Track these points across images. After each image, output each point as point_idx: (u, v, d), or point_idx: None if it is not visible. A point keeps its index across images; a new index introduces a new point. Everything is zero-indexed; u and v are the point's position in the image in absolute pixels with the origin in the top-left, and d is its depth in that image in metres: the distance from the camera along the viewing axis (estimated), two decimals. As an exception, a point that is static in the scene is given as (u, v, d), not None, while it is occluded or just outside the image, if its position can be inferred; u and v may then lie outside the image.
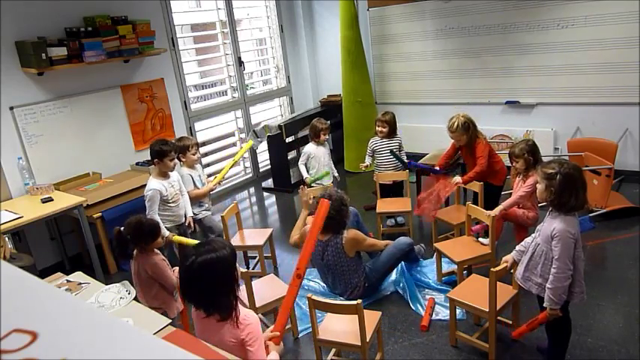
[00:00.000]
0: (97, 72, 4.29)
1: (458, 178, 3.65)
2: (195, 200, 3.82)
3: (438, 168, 3.92)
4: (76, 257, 4.28)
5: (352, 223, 3.42)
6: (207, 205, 3.97)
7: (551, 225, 2.21)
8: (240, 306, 1.87)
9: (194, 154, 3.84)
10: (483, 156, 3.60)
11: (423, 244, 3.68)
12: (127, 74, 4.59)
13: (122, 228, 2.63)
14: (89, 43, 3.94)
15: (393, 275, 3.38)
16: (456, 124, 3.62)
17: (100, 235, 3.89)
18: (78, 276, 2.64)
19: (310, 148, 4.46)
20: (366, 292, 3.25)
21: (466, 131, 3.62)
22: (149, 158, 3.66)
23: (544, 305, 2.25)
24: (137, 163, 4.57)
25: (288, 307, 1.96)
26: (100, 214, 3.83)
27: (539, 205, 3.20)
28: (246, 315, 1.86)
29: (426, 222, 3.97)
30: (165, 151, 3.43)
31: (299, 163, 4.49)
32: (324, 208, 2.07)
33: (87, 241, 3.77)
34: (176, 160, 3.59)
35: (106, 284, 2.55)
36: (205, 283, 1.79)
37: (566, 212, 2.19)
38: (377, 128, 4.32)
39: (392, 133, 4.31)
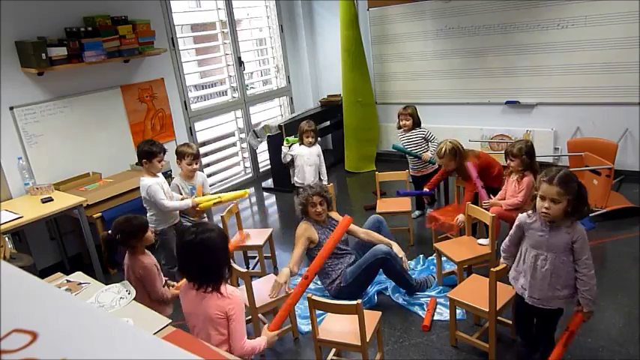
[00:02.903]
0: (97, 72, 4.29)
1: (462, 217, 3.52)
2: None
3: (427, 189, 4.11)
4: (76, 257, 4.28)
5: (374, 228, 3.49)
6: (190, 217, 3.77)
7: (563, 235, 2.18)
8: (227, 285, 2.10)
9: (189, 164, 3.68)
10: (477, 177, 3.59)
11: (433, 275, 3.44)
12: (127, 74, 4.59)
13: (109, 232, 2.63)
14: (89, 43, 3.94)
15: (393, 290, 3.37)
16: (443, 149, 3.66)
17: (100, 235, 3.88)
18: (78, 276, 2.64)
19: (297, 147, 4.48)
20: (341, 291, 3.17)
21: (454, 157, 3.66)
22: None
23: (584, 310, 2.21)
24: (137, 163, 4.55)
25: (293, 304, 2.08)
26: (100, 214, 3.83)
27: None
28: (233, 290, 2.09)
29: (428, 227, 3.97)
30: (154, 152, 3.38)
31: (282, 151, 4.55)
32: (346, 222, 2.18)
33: (87, 241, 3.77)
34: (164, 162, 3.52)
35: (106, 284, 2.55)
36: (206, 258, 2.01)
37: (579, 218, 2.22)
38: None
39: (413, 126, 4.39)
